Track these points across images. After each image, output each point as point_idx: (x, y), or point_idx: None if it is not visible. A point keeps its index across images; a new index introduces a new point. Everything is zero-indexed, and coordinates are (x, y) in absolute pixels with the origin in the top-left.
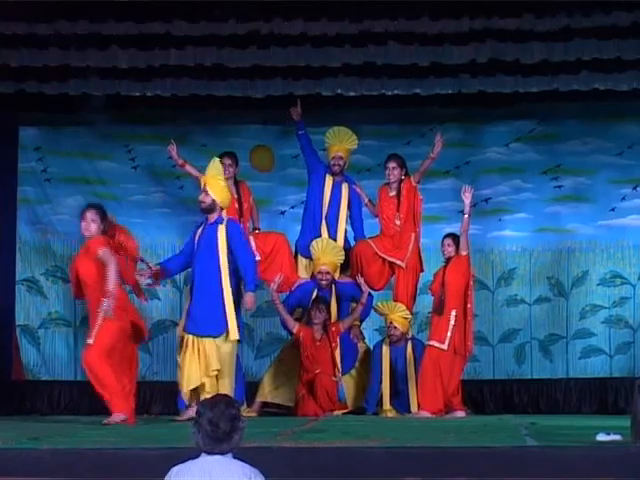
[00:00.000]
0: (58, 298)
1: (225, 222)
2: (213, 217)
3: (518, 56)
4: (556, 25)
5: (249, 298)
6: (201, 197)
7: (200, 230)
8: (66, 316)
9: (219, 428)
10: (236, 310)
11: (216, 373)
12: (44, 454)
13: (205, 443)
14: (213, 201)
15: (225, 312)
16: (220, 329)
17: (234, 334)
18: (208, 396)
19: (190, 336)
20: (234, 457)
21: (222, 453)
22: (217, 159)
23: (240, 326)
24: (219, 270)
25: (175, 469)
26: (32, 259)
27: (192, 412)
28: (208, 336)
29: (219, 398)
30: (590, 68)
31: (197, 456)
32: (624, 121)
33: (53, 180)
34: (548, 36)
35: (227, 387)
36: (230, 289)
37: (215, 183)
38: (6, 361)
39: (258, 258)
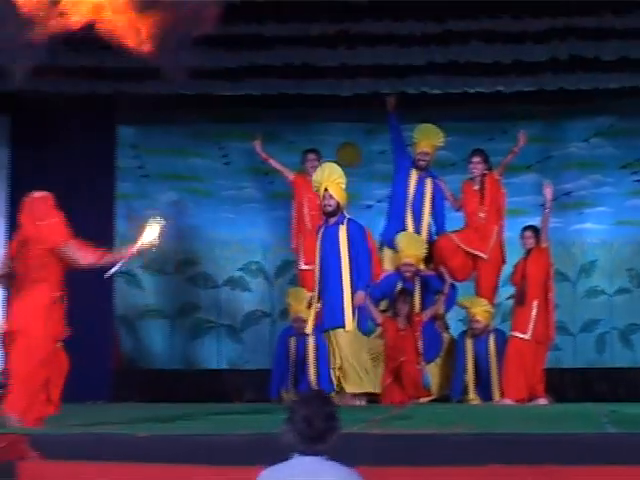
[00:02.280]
0: (154, 290)
1: (346, 222)
2: (334, 219)
3: (597, 53)
4: (634, 23)
5: (360, 296)
6: (326, 201)
7: (321, 233)
8: (162, 307)
9: (314, 427)
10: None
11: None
12: (141, 440)
13: (298, 442)
14: (337, 204)
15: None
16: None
17: (349, 325)
18: None
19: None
20: (328, 459)
21: (316, 454)
22: (332, 164)
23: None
24: (340, 269)
25: (266, 472)
26: None
27: None
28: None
29: (315, 394)
30: None
31: (288, 458)
32: None
33: (150, 177)
34: (626, 34)
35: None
36: (350, 287)
37: (336, 187)
38: (106, 351)
39: None
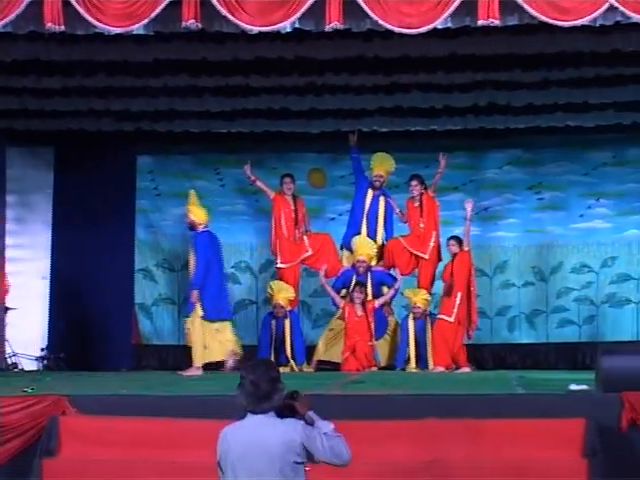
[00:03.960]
0: (166, 283)
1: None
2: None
3: (509, 101)
4: (538, 77)
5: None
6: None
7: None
8: (171, 297)
9: (260, 389)
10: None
11: None
12: (156, 400)
13: (248, 402)
14: (193, 220)
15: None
16: None
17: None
18: None
19: None
20: (279, 415)
21: (264, 412)
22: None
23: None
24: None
25: (228, 431)
26: (146, 254)
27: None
28: None
29: (260, 361)
30: (564, 110)
31: (243, 417)
32: (589, 149)
33: (162, 195)
34: (532, 85)
35: None
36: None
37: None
38: (128, 330)
39: (311, 252)
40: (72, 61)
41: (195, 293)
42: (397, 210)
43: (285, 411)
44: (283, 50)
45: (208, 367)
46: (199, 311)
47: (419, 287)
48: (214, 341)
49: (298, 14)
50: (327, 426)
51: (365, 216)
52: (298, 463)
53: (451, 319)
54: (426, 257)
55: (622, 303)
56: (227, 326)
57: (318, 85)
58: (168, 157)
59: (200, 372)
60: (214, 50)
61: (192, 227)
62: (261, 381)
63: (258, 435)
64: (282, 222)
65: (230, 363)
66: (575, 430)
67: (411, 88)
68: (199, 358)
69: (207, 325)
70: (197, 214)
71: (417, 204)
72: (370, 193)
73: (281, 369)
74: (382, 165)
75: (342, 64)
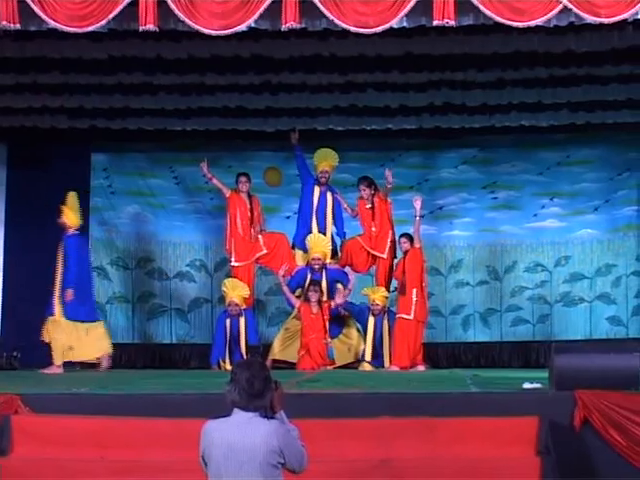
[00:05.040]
0: (120, 281)
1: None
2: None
3: (464, 100)
4: (493, 77)
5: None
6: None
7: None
8: (126, 295)
9: (254, 386)
10: None
11: None
12: (110, 398)
13: (241, 399)
14: (65, 223)
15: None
16: None
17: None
18: None
19: None
20: (262, 415)
21: (255, 409)
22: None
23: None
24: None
25: (211, 426)
26: (101, 252)
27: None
28: None
29: (254, 360)
30: (518, 109)
31: (229, 415)
32: (543, 149)
33: (116, 193)
34: (487, 85)
35: None
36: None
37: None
38: None
39: (265, 251)
40: (25, 58)
41: (70, 292)
42: (345, 205)
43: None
44: (239, 48)
45: (83, 366)
46: (62, 311)
47: (376, 285)
48: (83, 341)
49: (255, 15)
50: (294, 432)
51: (314, 213)
52: (277, 465)
53: (410, 317)
54: (384, 256)
55: (575, 302)
56: (98, 327)
57: (274, 84)
58: (123, 155)
59: (60, 370)
60: (169, 48)
61: (63, 228)
62: (256, 379)
63: (243, 433)
64: (237, 220)
65: (104, 364)
66: (528, 428)
67: (367, 87)
68: (59, 357)
69: (75, 325)
70: (70, 217)
71: (369, 206)
72: (317, 190)
73: None
74: (326, 160)
75: (298, 63)
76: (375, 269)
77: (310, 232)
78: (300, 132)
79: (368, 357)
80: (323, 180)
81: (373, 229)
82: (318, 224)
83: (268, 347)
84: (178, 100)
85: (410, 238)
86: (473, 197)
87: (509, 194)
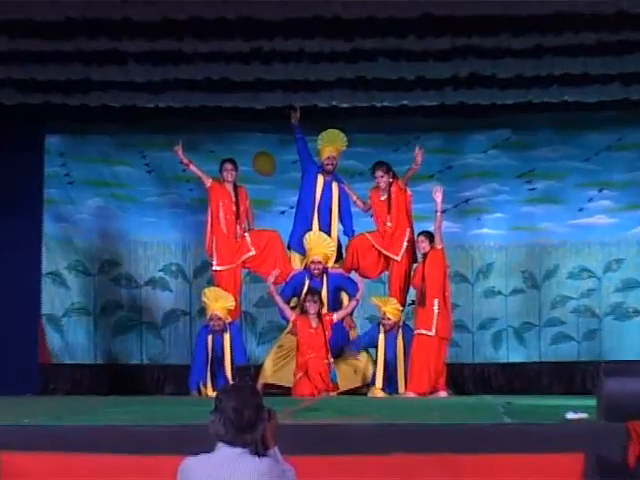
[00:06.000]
0: (79, 289)
1: None
2: None
3: (495, 71)
4: (529, 43)
5: None
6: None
7: None
8: (86, 306)
9: (244, 416)
10: None
11: None
12: (67, 430)
13: (227, 432)
14: None
15: None
16: None
17: None
18: None
19: None
20: (256, 454)
21: (244, 444)
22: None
23: None
24: None
25: (192, 463)
26: (57, 254)
27: None
28: None
29: (243, 385)
30: (560, 82)
31: (212, 451)
32: (590, 130)
33: (75, 183)
34: (522, 53)
35: None
36: None
37: None
38: (33, 346)
39: (254, 253)
40: None
41: None
42: (354, 197)
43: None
44: (223, 9)
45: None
46: None
47: (389, 294)
48: None
49: None
50: (290, 472)
51: (317, 208)
52: None
53: (431, 332)
54: (397, 259)
55: (629, 315)
56: None
57: (266, 51)
58: (83, 137)
59: None
60: (139, 8)
61: None
62: (246, 408)
63: (230, 473)
64: (221, 216)
65: None
66: (573, 466)
67: (377, 56)
68: None
69: None
70: None
71: (384, 197)
72: (321, 179)
73: None
74: (333, 144)
75: (295, 26)
76: (388, 275)
77: (310, 230)
78: (296, 109)
79: (379, 381)
80: (329, 168)
81: (388, 224)
82: (321, 221)
83: (258, 369)
84: (150, 71)
85: (430, 237)
86: (506, 188)
87: (549, 184)
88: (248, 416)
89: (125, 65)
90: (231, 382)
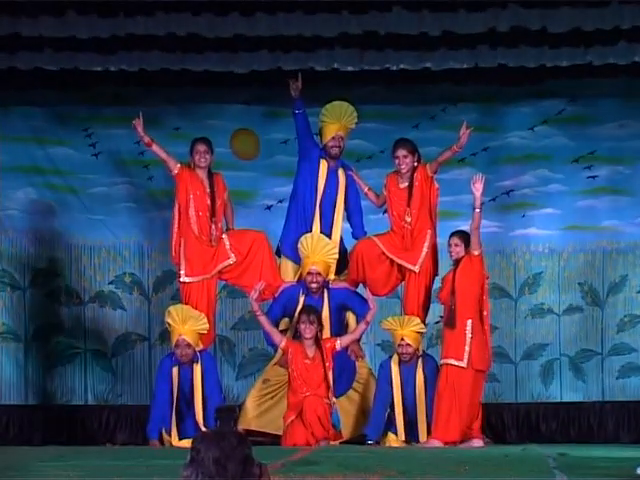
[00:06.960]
0: (5, 308)
1: None
2: None
3: (545, 24)
4: None
5: None
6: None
7: None
8: (15, 329)
9: (227, 471)
10: None
11: None
12: None
13: None
14: None
15: None
16: None
17: None
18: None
19: None
20: None
21: None
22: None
23: None
24: None
25: None
26: None
27: None
28: None
29: (227, 431)
30: (629, 38)
31: None
32: None
33: (1, 169)
34: (578, 2)
35: None
36: None
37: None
38: None
39: (234, 260)
40: None
41: None
42: (366, 188)
43: None
44: None
45: None
46: None
47: (406, 314)
48: None
49: None
50: None
51: (318, 202)
52: None
53: (463, 363)
54: (415, 269)
55: None
56: None
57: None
58: (9, 110)
59: None
60: None
61: None
62: (230, 460)
63: None
64: (191, 212)
65: None
66: None
67: (391, 5)
68: None
69: None
70: None
71: (404, 184)
72: (324, 166)
73: (186, 442)
74: (340, 120)
75: None
76: (403, 290)
77: (309, 231)
78: (289, 75)
79: (400, 429)
80: (335, 151)
81: (407, 219)
82: (322, 219)
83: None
84: (97, 24)
85: (466, 239)
86: (559, 176)
87: (615, 171)
88: (233, 471)
89: (65, 16)
90: (203, 428)
